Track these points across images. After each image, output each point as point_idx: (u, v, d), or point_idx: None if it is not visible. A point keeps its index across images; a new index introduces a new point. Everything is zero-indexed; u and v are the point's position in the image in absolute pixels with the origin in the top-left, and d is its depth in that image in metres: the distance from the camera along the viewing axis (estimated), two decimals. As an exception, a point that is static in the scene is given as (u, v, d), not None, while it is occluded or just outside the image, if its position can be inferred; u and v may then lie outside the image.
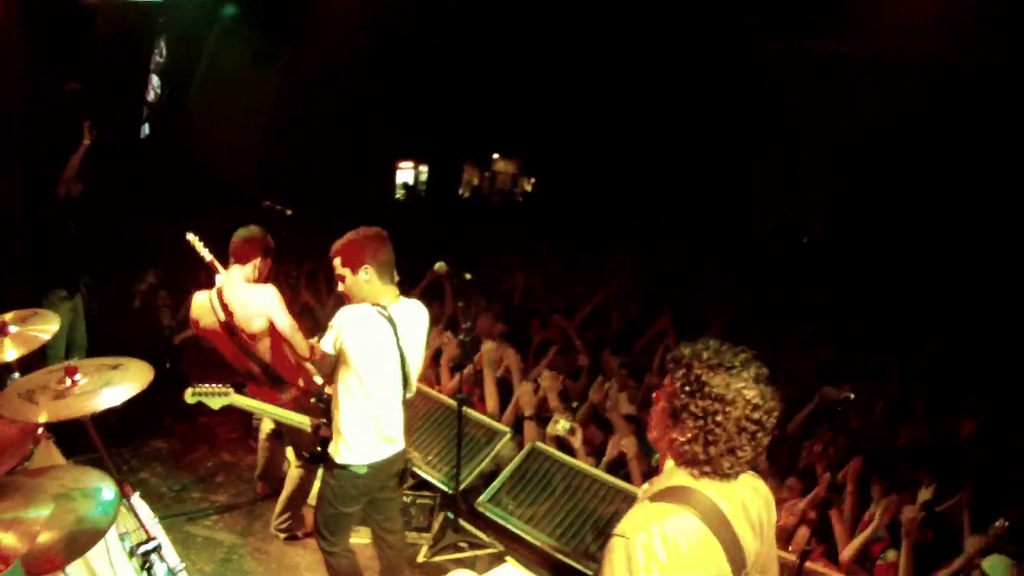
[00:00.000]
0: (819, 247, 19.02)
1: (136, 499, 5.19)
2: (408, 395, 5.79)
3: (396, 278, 5.65)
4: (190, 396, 6.07)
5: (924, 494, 7.37)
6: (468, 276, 6.76)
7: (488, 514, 7.43)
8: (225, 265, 6.74)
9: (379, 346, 5.52)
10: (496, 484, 7.60)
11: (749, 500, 3.30)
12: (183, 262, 7.10)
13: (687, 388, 3.17)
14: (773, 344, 12.11)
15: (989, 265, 15.28)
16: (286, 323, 6.47)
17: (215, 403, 6.09)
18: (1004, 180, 14.85)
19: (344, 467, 5.65)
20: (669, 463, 3.31)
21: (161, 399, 6.45)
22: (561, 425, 7.79)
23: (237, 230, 6.75)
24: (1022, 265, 14.51)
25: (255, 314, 6.50)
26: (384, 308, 5.54)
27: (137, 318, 11.19)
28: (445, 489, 7.61)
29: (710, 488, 3.16)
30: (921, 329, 13.78)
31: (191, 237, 6.88)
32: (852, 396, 6.07)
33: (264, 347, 6.66)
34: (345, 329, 5.42)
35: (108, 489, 4.10)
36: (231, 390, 6.12)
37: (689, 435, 3.15)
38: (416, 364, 5.77)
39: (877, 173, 16.65)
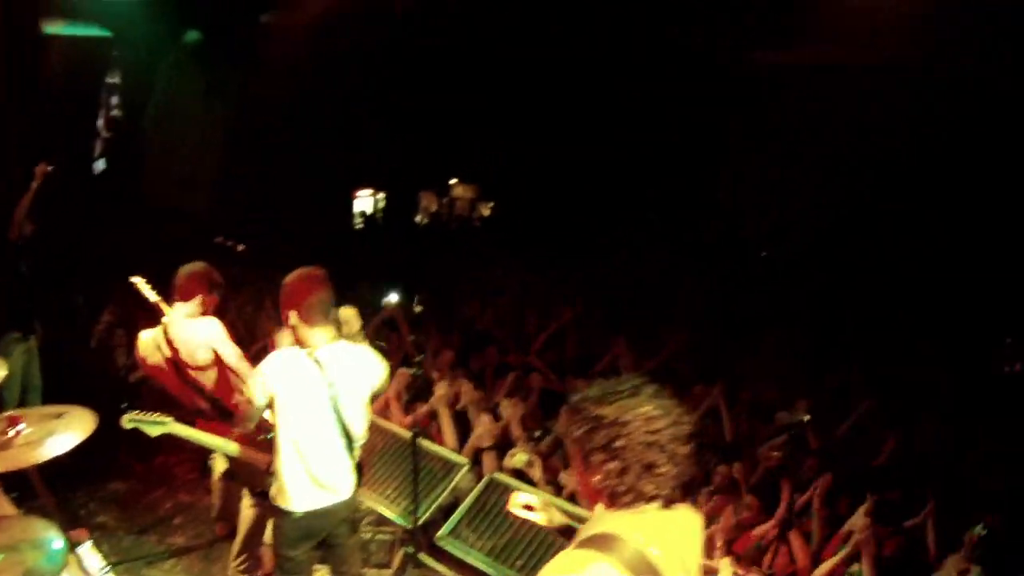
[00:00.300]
0: (784, 257, 19.17)
1: (86, 548, 5.13)
2: (356, 442, 5.67)
3: (323, 315, 5.49)
4: (126, 422, 5.92)
5: (866, 506, 7.39)
6: (418, 309, 6.76)
7: (448, 548, 7.37)
8: (171, 304, 6.72)
9: (304, 391, 5.39)
10: (455, 517, 7.55)
11: (686, 545, 3.29)
12: (140, 300, 7.06)
13: (584, 428, 3.18)
14: (738, 359, 12.20)
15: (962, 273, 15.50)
16: (232, 353, 6.51)
17: (152, 431, 5.93)
18: (980, 186, 15.05)
19: (281, 511, 5.58)
20: (598, 507, 3.32)
21: (118, 439, 6.40)
22: (518, 458, 7.76)
23: (182, 267, 6.78)
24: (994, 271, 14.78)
25: (199, 346, 6.53)
26: (312, 351, 5.42)
27: (94, 358, 11.12)
28: (404, 524, 7.56)
29: (639, 531, 3.12)
30: (893, 342, 13.94)
31: (137, 280, 6.87)
32: (807, 418, 6.11)
33: (210, 380, 6.66)
34: (268, 375, 5.36)
35: (57, 539, 4.07)
36: (170, 419, 5.98)
37: (602, 471, 3.15)
38: (355, 409, 5.59)
39: (852, 181, 16.80)
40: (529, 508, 3.96)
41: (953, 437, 9.91)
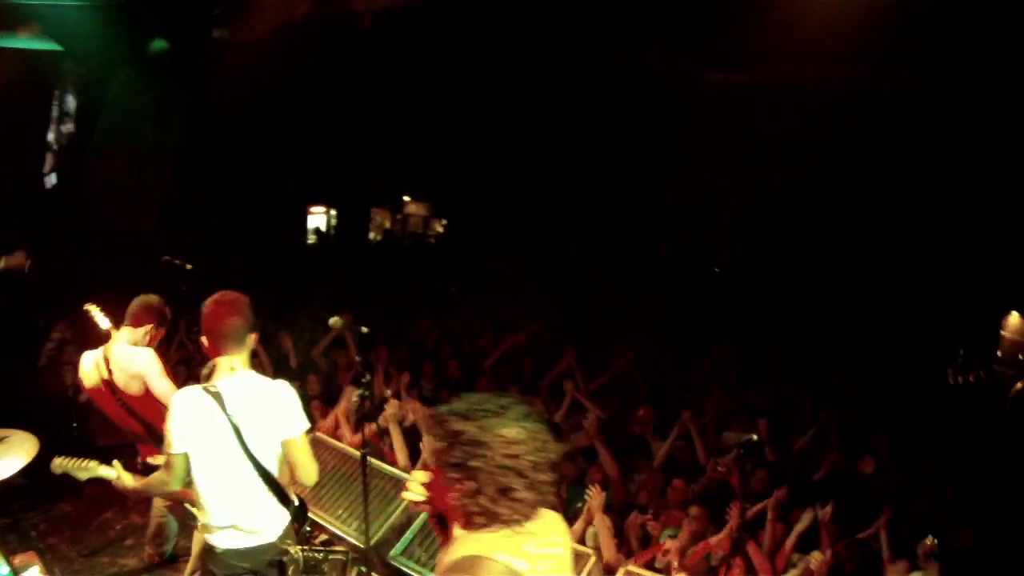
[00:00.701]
0: (733, 274, 19.31)
1: (33, 572, 5.07)
2: (268, 479, 5.32)
3: (235, 343, 5.24)
4: (55, 466, 5.77)
5: (808, 515, 7.44)
6: (365, 330, 6.70)
7: (401, 567, 7.33)
8: (119, 327, 6.74)
9: (206, 428, 5.14)
10: (408, 536, 7.51)
11: (554, 555, 3.23)
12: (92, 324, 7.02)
13: (444, 443, 3.12)
14: (686, 374, 12.25)
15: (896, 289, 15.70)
16: (162, 387, 6.49)
17: (80, 475, 5.72)
18: (912, 203, 15.24)
19: (207, 544, 5.40)
20: (457, 530, 3.23)
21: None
22: None
23: (139, 296, 6.80)
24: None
25: (133, 376, 6.55)
26: (210, 385, 5.18)
27: (43, 377, 11.00)
28: (357, 543, 7.51)
29: (501, 550, 3.07)
30: (836, 357, 14.07)
31: (90, 307, 6.84)
32: (755, 437, 6.14)
33: (144, 406, 6.63)
34: (175, 418, 5.14)
35: (1, 565, 4.01)
36: (94, 464, 5.76)
37: (458, 490, 3.09)
38: (264, 445, 5.25)
39: (787, 199, 16.97)
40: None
41: (908, 448, 10.01)
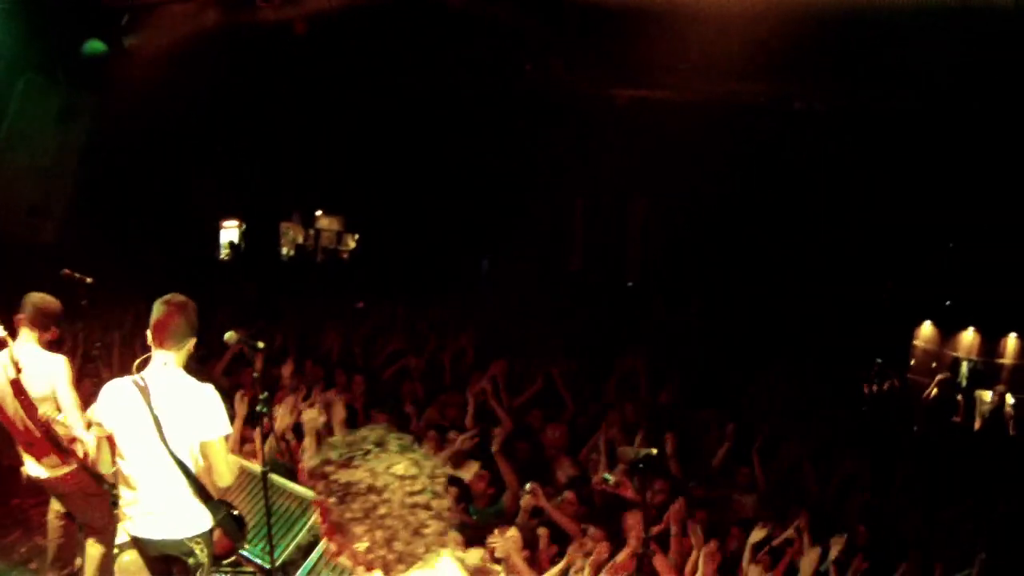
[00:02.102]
0: (645, 288, 19.48)
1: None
2: (186, 474, 5.53)
3: (171, 340, 5.52)
4: None
5: (758, 533, 7.48)
6: (260, 344, 6.62)
7: (307, 587, 7.23)
8: (13, 334, 6.63)
9: (128, 415, 5.43)
10: (314, 556, 7.39)
11: None
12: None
13: (334, 498, 2.93)
14: (598, 384, 12.29)
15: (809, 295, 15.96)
16: (68, 398, 6.58)
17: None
18: (823, 215, 15.51)
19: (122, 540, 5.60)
20: None
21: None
22: None
23: (32, 295, 6.87)
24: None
25: (41, 378, 6.58)
26: (140, 377, 5.46)
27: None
28: (263, 564, 7.37)
29: None
30: (751, 363, 14.25)
31: None
32: (654, 451, 6.13)
33: (46, 411, 6.54)
34: (101, 403, 5.50)
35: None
36: None
37: (366, 542, 2.91)
38: (181, 441, 5.47)
39: (699, 212, 17.18)
40: None
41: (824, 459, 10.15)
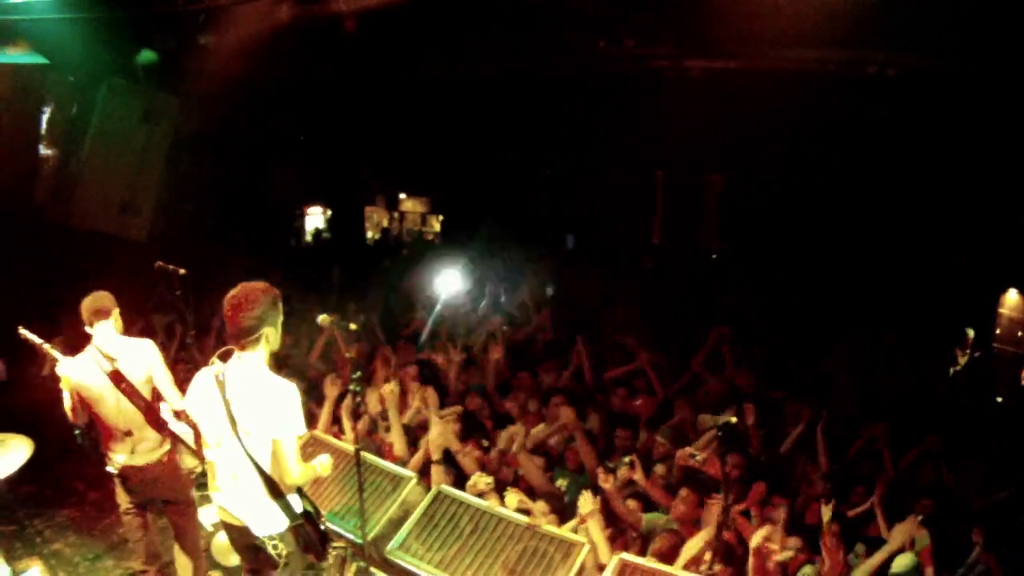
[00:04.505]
0: (727, 261, 19.37)
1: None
2: (258, 469, 5.62)
3: (245, 337, 5.59)
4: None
5: (827, 511, 7.49)
6: (353, 326, 6.81)
7: (399, 561, 7.38)
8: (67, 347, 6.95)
9: (203, 404, 5.65)
10: (404, 530, 7.56)
11: None
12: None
13: None
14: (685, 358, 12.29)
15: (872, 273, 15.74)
16: (165, 377, 6.89)
17: None
18: (902, 184, 15.26)
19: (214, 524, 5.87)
20: None
21: (72, 467, 6.40)
22: (482, 482, 7.75)
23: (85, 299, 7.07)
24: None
25: (138, 364, 6.85)
26: (220, 369, 5.62)
27: (46, 385, 11.05)
28: (355, 539, 7.58)
29: None
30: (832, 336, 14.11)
31: (23, 331, 6.99)
32: (734, 420, 6.18)
33: (147, 392, 6.85)
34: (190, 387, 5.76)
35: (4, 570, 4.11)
36: None
37: None
38: (254, 435, 5.55)
39: (777, 184, 17.02)
40: None
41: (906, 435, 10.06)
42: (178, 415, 6.91)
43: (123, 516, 7.41)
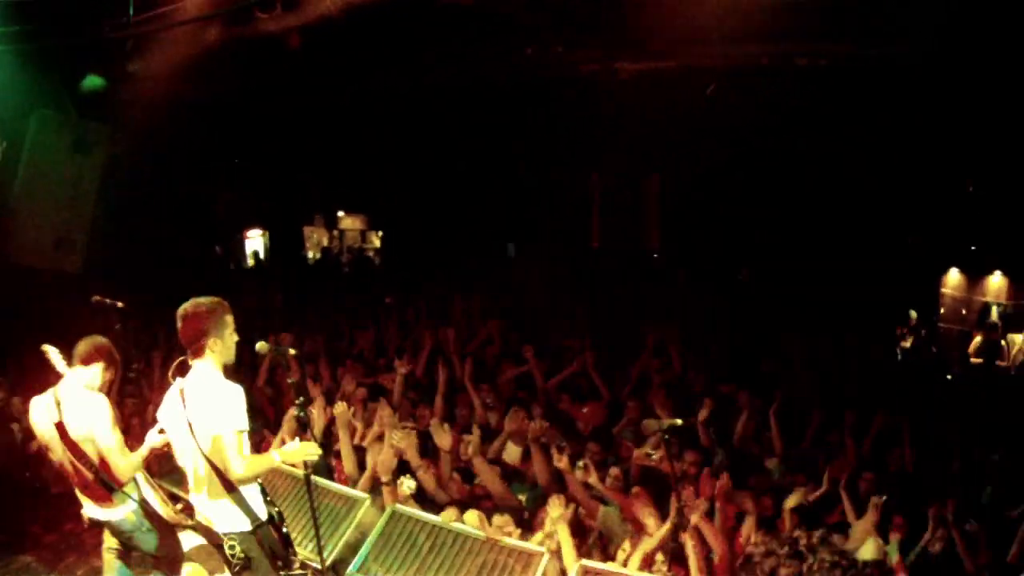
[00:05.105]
0: (665, 258, 19.52)
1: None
2: (216, 472, 5.78)
3: (191, 348, 5.88)
4: None
5: (794, 498, 7.57)
6: (293, 351, 6.80)
7: (359, 584, 7.38)
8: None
9: (169, 418, 5.96)
10: (362, 553, 7.54)
11: None
12: (32, 368, 7.03)
13: None
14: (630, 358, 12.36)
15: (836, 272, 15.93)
16: (108, 441, 6.62)
17: None
18: (838, 169, 15.45)
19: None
20: None
21: (25, 510, 6.28)
22: (408, 486, 7.79)
23: (86, 338, 6.93)
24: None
25: (81, 419, 6.62)
26: (179, 382, 5.91)
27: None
28: (314, 564, 7.52)
29: None
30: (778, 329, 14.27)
31: (47, 348, 6.87)
32: (679, 422, 6.24)
33: (93, 452, 6.58)
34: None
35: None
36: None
37: None
38: (203, 433, 5.74)
39: (713, 180, 17.17)
40: None
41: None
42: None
43: (104, 554, 7.33)
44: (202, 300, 5.87)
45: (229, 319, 5.90)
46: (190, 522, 6.19)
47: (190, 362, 5.85)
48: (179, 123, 14.63)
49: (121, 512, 6.82)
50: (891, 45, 11.11)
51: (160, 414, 6.02)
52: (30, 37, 11.55)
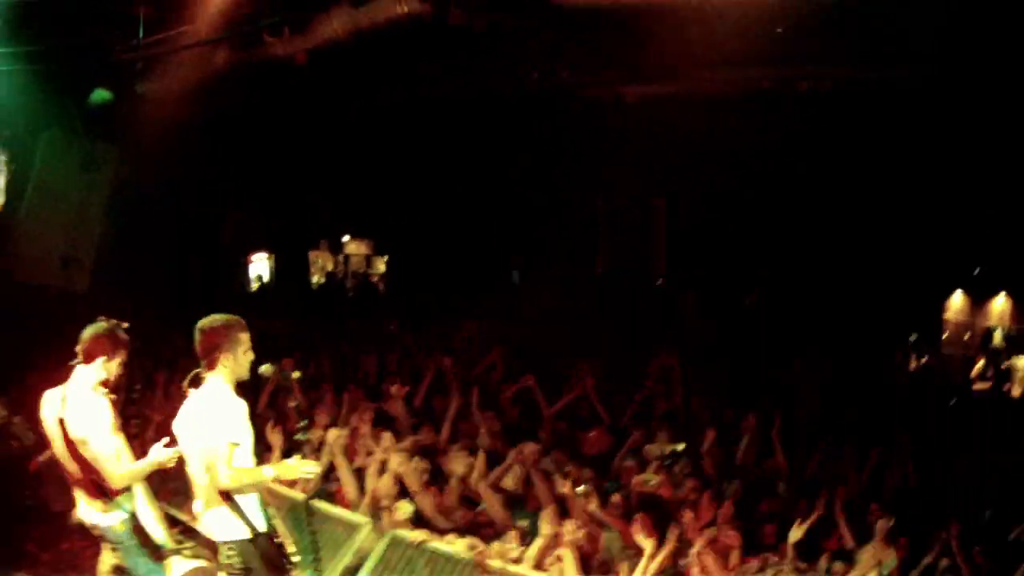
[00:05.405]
0: (675, 286, 19.50)
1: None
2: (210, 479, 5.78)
3: (204, 361, 5.87)
4: None
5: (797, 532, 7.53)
6: (296, 375, 6.81)
7: (355, 609, 7.35)
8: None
9: (180, 427, 5.94)
10: (361, 577, 7.53)
11: None
12: (34, 387, 6.98)
13: None
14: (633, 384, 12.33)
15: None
16: (103, 447, 6.46)
17: None
18: (845, 193, 15.46)
19: None
20: None
21: (24, 528, 6.23)
22: (403, 510, 7.77)
23: (87, 327, 6.76)
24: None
25: (80, 423, 6.50)
26: (191, 394, 5.93)
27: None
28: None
29: None
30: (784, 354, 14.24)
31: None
32: (680, 447, 6.23)
33: (88, 455, 6.55)
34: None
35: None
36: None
37: None
38: (202, 443, 5.77)
39: (719, 203, 17.18)
40: None
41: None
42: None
43: (100, 569, 7.21)
44: (219, 317, 5.97)
45: (244, 337, 5.97)
46: (184, 548, 6.15)
47: (203, 375, 5.90)
48: (187, 144, 14.68)
49: (112, 519, 6.72)
50: (891, 69, 11.17)
51: (175, 423, 6.01)
52: (40, 58, 11.63)
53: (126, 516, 6.68)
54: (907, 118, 12.79)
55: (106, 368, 6.66)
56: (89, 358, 6.64)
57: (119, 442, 6.58)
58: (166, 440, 6.41)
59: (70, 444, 6.56)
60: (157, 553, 6.78)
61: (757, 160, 15.30)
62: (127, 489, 6.63)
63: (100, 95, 12.99)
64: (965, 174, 13.99)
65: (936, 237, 15.76)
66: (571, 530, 7.07)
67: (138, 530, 6.75)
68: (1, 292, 13.32)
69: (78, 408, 6.54)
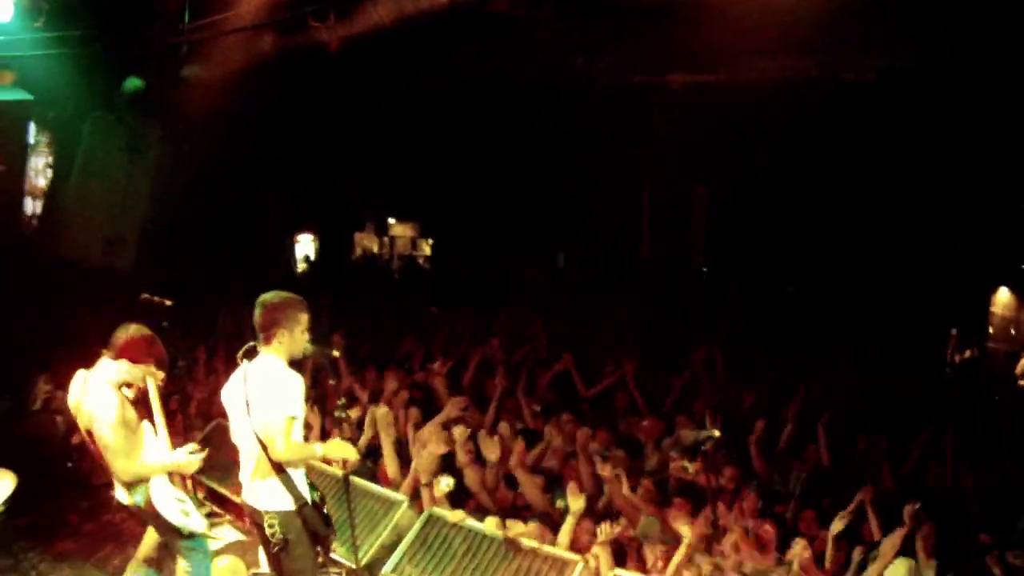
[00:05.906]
0: (718, 272, 19.43)
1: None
2: (265, 451, 5.91)
3: (262, 335, 6.03)
4: None
5: (838, 524, 7.49)
6: (336, 354, 6.88)
7: (393, 585, 7.41)
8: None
9: (230, 398, 6.12)
10: (397, 555, 7.56)
11: None
12: (79, 363, 7.05)
13: None
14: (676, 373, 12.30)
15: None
16: (108, 438, 6.48)
17: None
18: (890, 187, 15.31)
19: None
20: None
21: (66, 499, 6.29)
22: (445, 483, 7.80)
23: (132, 324, 6.83)
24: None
25: (90, 411, 6.56)
26: (244, 365, 6.10)
27: (37, 420, 11.06)
28: (348, 563, 7.58)
29: None
30: (818, 353, 14.12)
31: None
32: (716, 433, 6.20)
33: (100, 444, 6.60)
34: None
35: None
36: None
37: None
38: (258, 415, 5.89)
39: (763, 193, 17.08)
40: None
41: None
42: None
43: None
44: (282, 293, 6.12)
45: (303, 317, 6.11)
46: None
47: (259, 348, 6.04)
48: (231, 127, 14.79)
49: (136, 498, 6.72)
50: (938, 56, 11.07)
51: (223, 393, 6.17)
52: (86, 42, 11.74)
53: (140, 500, 6.67)
54: (955, 109, 12.66)
55: (130, 372, 6.71)
56: (117, 354, 6.69)
57: (132, 437, 6.62)
58: (194, 447, 6.53)
59: (86, 427, 6.65)
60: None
61: (801, 149, 15.20)
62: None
63: (132, 83, 13.11)
64: (1012, 168, 13.81)
65: (984, 231, 15.57)
66: (606, 530, 7.08)
67: (152, 515, 6.77)
68: (46, 270, 13.53)
69: (90, 397, 6.59)
